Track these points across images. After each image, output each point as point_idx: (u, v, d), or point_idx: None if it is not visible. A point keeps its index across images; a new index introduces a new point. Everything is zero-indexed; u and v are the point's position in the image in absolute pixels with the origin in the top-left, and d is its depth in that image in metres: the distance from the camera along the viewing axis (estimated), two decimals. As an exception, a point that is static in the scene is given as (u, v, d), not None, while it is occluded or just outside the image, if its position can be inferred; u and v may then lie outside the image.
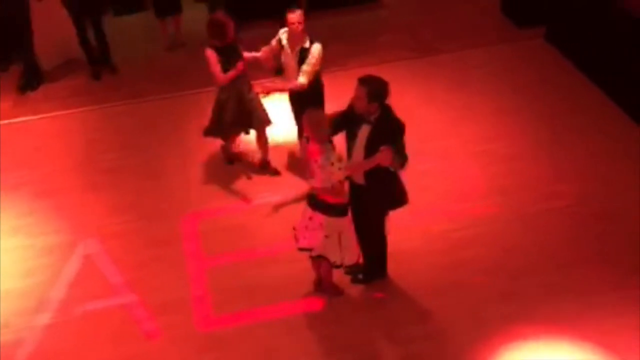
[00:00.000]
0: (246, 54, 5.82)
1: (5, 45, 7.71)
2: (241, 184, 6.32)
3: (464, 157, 6.43)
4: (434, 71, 7.67)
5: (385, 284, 5.28)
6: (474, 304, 5.09)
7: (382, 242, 5.07)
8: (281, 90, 5.83)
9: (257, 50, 5.90)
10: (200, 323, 5.08)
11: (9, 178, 6.46)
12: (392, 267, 5.31)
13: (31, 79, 7.68)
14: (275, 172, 6.36)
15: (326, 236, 4.72)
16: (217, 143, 6.64)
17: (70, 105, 7.40)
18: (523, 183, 6.12)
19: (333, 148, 4.53)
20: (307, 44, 5.61)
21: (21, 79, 7.67)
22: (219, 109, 5.94)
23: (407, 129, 4.51)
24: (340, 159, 4.47)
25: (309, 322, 5.06)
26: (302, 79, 5.54)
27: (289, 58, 5.73)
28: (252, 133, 6.24)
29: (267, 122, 6.09)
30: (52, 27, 7.70)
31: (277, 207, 4.76)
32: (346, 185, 4.72)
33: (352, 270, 5.20)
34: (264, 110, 6.05)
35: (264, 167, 6.36)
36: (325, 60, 5.82)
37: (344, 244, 4.79)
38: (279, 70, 6.16)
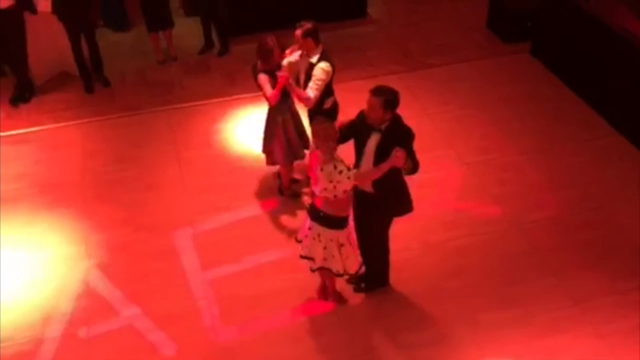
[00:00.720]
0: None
1: (-3, 58, 7.70)
2: (237, 193, 6.36)
3: (459, 168, 6.61)
4: (424, 84, 7.84)
5: (386, 292, 5.39)
6: (473, 310, 5.23)
7: (384, 251, 5.18)
8: (295, 93, 5.70)
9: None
10: (207, 334, 5.11)
11: (9, 190, 6.44)
12: (392, 275, 5.42)
13: (23, 92, 7.65)
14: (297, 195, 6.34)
15: (324, 248, 4.80)
16: (209, 156, 6.73)
17: (65, 118, 7.39)
18: (516, 192, 6.31)
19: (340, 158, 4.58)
20: (314, 60, 5.58)
21: (13, 92, 7.64)
22: (283, 131, 5.83)
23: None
24: (348, 168, 4.53)
25: (313, 330, 5.13)
26: (310, 93, 5.54)
27: (300, 70, 5.75)
28: None
29: None
30: (45, 40, 7.70)
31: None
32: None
33: (355, 279, 5.30)
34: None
35: (286, 193, 6.34)
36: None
37: (344, 254, 4.87)
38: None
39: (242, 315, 5.24)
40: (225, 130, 7.20)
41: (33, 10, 7.30)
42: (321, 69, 5.52)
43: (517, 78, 7.96)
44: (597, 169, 6.57)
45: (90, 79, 7.85)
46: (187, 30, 8.78)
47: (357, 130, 4.66)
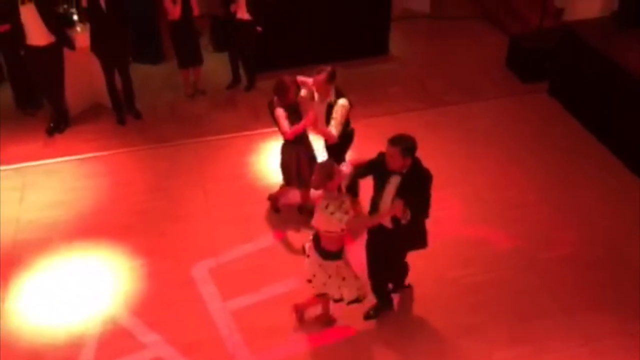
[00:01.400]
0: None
1: (36, 91, 8.09)
2: (259, 224, 6.62)
3: (477, 205, 6.79)
4: (443, 122, 8.07)
5: (400, 326, 5.57)
6: (486, 346, 5.38)
7: (395, 274, 5.42)
8: (320, 132, 6.02)
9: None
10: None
11: (43, 217, 6.75)
12: (406, 310, 5.62)
13: (59, 123, 8.02)
14: None
15: (329, 276, 5.04)
16: (234, 188, 7.00)
17: (97, 148, 7.72)
18: (531, 230, 6.47)
19: (343, 200, 4.78)
20: (332, 99, 5.92)
21: (50, 123, 8.01)
22: (296, 162, 6.18)
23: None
24: (345, 211, 4.72)
25: (329, 358, 5.34)
26: (334, 130, 5.86)
27: (318, 110, 6.03)
28: None
29: None
30: (81, 74, 8.10)
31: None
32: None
33: (353, 303, 5.40)
34: None
35: (303, 211, 6.63)
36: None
37: (342, 282, 5.09)
38: None
39: (265, 344, 5.43)
40: (250, 164, 7.49)
41: (71, 46, 7.72)
42: (341, 105, 5.90)
43: (534, 117, 8.16)
44: (611, 209, 6.72)
45: (122, 111, 8.20)
46: (216, 66, 9.13)
47: (377, 171, 4.91)
